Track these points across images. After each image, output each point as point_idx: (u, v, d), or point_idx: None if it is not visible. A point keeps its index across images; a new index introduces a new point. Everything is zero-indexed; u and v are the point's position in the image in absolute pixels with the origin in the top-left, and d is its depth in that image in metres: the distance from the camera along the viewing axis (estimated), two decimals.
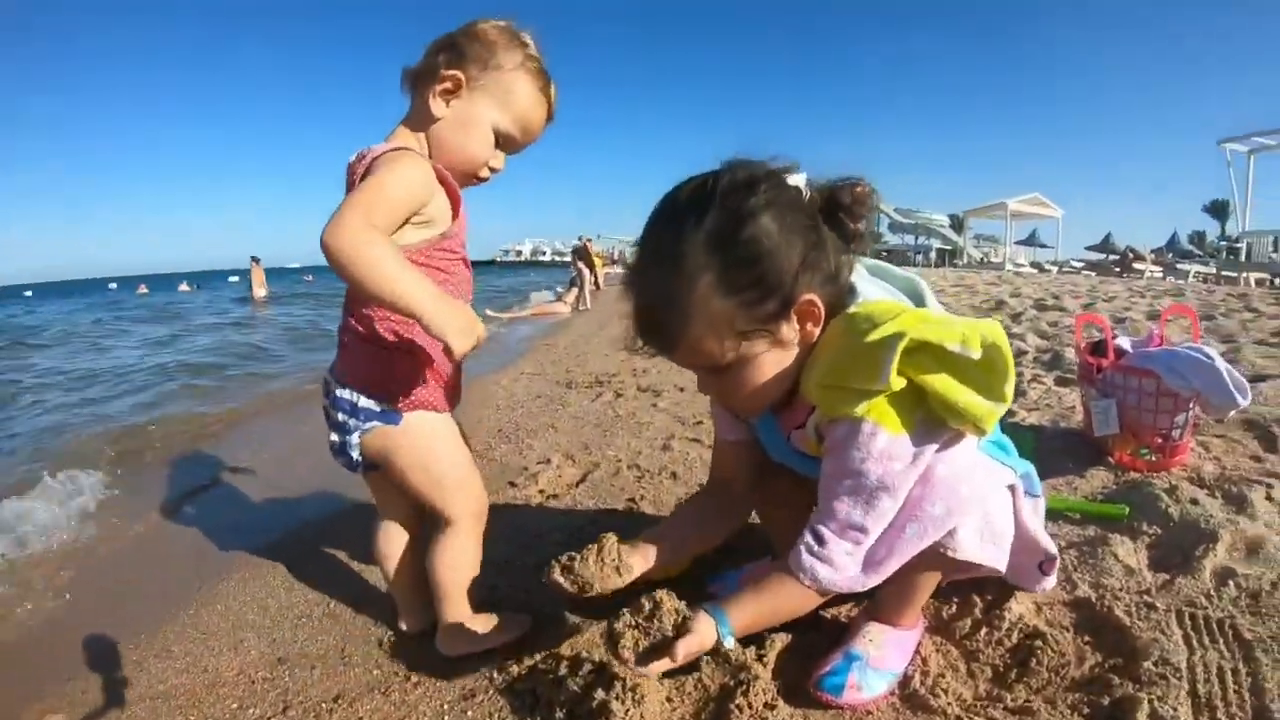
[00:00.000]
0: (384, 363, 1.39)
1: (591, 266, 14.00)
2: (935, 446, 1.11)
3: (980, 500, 1.17)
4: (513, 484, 2.61)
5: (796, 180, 1.12)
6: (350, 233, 1.12)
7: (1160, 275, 15.56)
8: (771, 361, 1.14)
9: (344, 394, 1.40)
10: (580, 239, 15.63)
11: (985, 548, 1.18)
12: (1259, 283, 11.75)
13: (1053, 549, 1.35)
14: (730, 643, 1.13)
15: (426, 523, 1.54)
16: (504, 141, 1.43)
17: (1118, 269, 18.45)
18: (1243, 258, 13.35)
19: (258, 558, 2.21)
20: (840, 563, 1.12)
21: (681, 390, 4.05)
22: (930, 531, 1.12)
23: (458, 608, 1.50)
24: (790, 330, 1.12)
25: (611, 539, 1.26)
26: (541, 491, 2.52)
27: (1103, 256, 24.73)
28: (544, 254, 70.22)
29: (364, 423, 1.40)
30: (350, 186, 1.31)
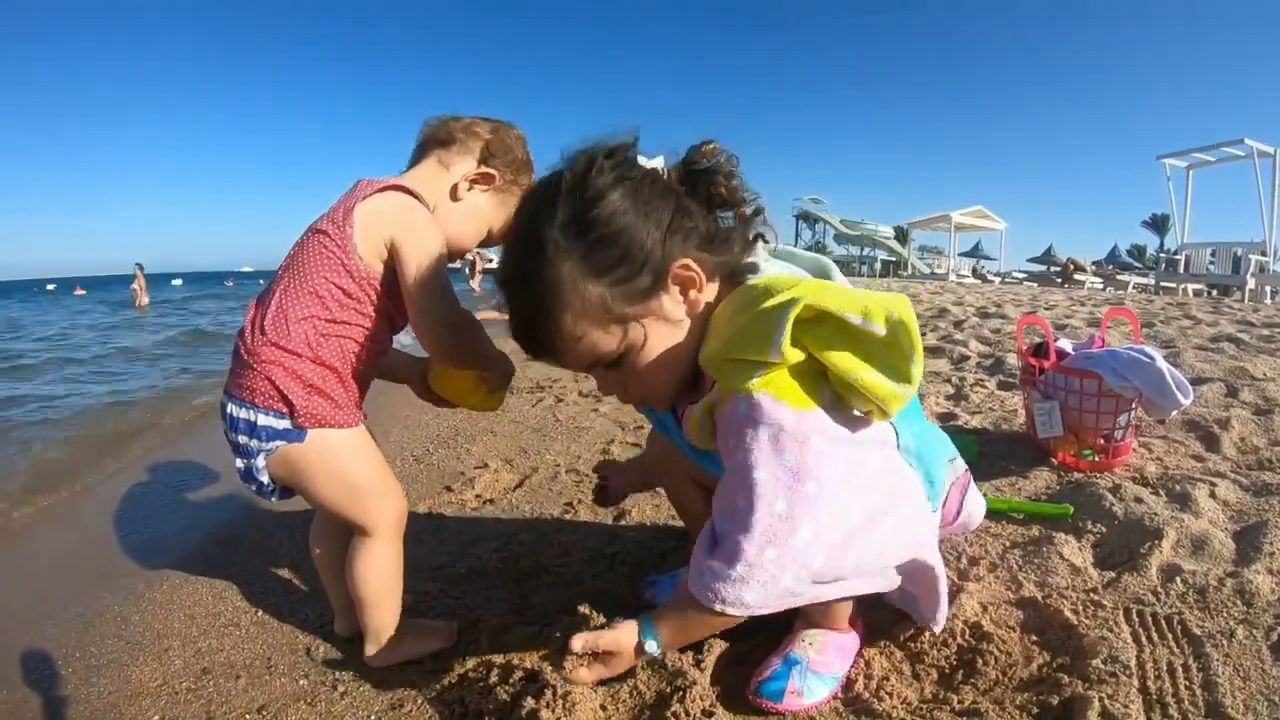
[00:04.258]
0: (300, 376, 1.29)
1: None
2: (849, 428, 1.01)
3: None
4: (449, 489, 2.54)
5: (654, 162, 1.08)
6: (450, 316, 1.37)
7: (1100, 286, 15.99)
8: (661, 341, 1.07)
9: (241, 413, 1.30)
10: None
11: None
12: (1196, 293, 12.12)
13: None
14: (653, 646, 1.07)
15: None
16: (484, 240, 1.51)
17: (1059, 280, 18.93)
18: (1181, 269, 13.73)
19: (187, 563, 2.10)
20: (751, 574, 0.96)
21: None
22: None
23: (380, 617, 1.43)
24: (673, 303, 1.05)
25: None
26: (478, 496, 2.45)
27: (1045, 268, 25.43)
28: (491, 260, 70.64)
29: (266, 443, 1.30)
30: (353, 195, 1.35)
